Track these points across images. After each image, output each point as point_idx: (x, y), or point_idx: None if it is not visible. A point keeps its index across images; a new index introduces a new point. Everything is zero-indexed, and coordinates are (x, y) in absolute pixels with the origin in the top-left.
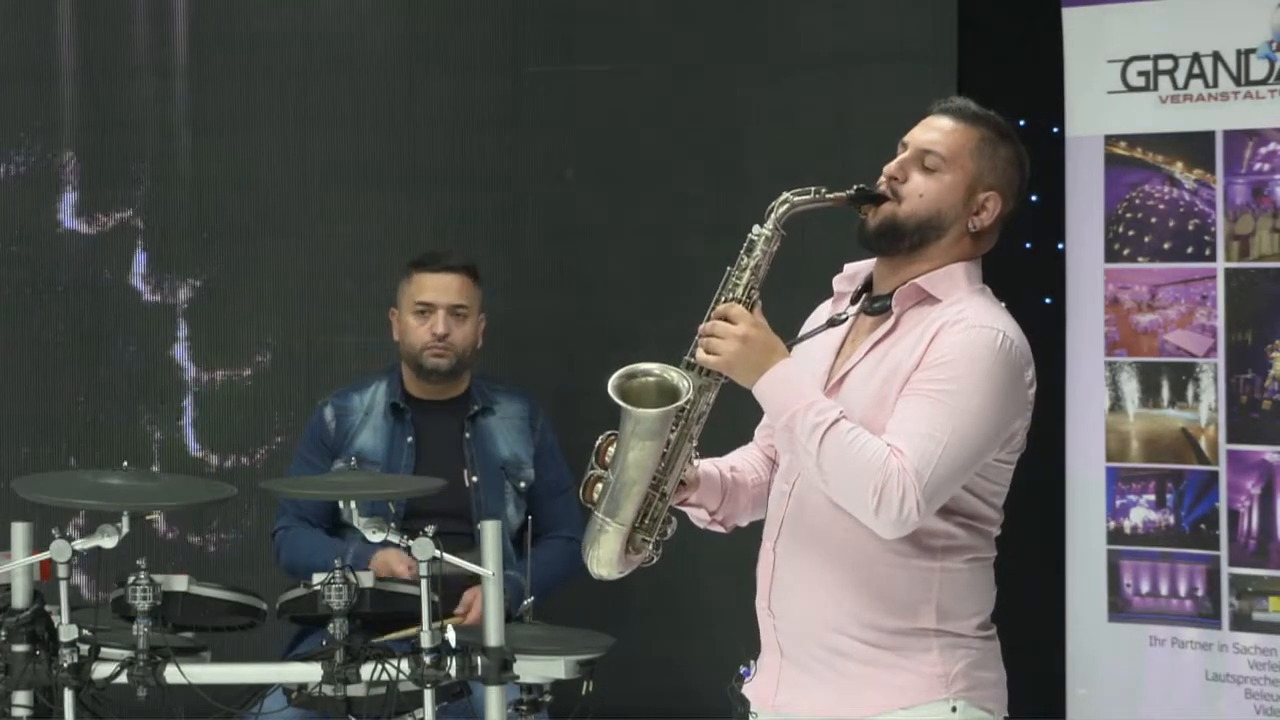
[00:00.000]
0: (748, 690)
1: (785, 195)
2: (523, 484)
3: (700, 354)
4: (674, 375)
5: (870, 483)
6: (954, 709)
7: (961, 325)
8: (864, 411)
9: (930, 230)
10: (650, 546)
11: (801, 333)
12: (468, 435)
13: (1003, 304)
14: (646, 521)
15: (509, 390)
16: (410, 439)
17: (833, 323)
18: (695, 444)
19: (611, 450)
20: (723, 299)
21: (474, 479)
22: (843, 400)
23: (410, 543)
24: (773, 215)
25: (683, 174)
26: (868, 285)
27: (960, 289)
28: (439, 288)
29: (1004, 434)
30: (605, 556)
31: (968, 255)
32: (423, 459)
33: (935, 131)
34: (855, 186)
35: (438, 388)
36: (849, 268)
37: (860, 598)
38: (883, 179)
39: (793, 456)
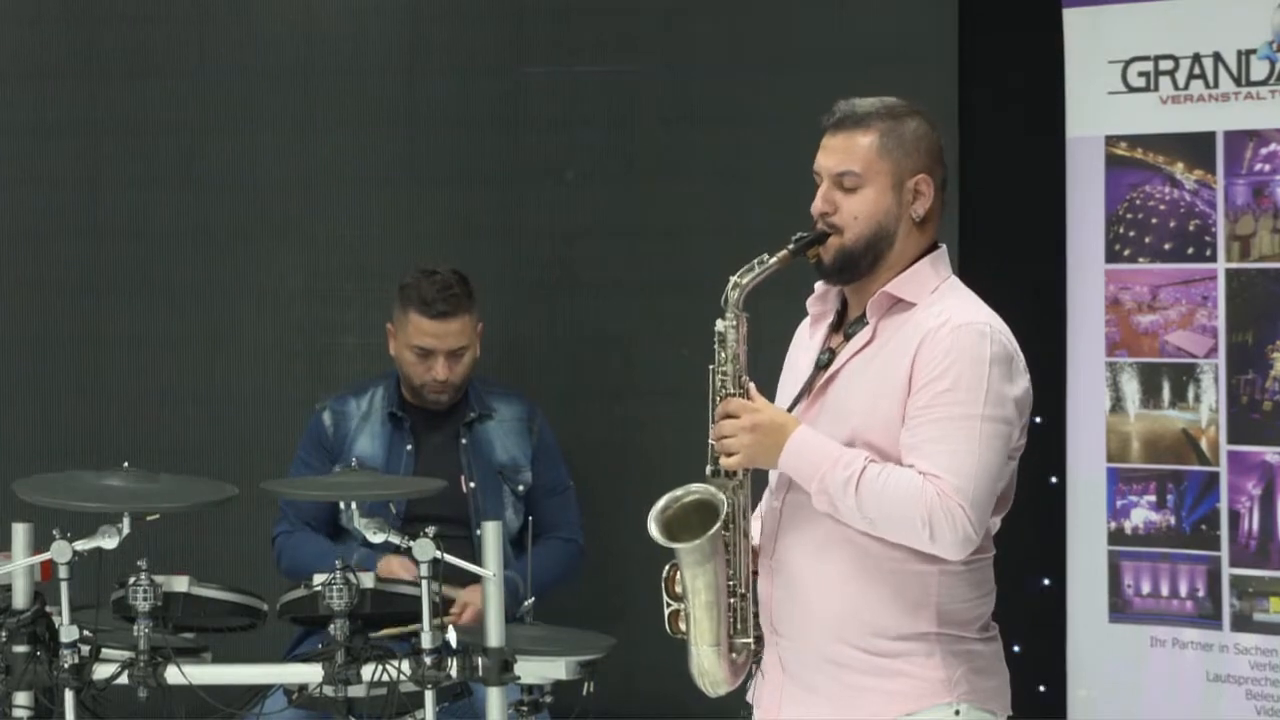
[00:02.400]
0: (754, 698)
1: (731, 279)
2: (520, 487)
3: (722, 460)
4: (708, 491)
5: (917, 515)
6: (957, 713)
7: (947, 329)
8: (852, 419)
9: (881, 243)
10: (751, 643)
11: (786, 369)
12: (464, 442)
13: (972, 291)
14: (738, 626)
15: (506, 393)
16: (410, 446)
17: (820, 364)
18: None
19: (679, 580)
20: (718, 400)
21: (471, 485)
22: (826, 408)
23: (411, 544)
24: (729, 304)
25: (683, 175)
26: (844, 303)
27: (929, 286)
28: (438, 334)
29: (1023, 420)
30: (718, 678)
31: (924, 245)
32: (421, 466)
33: (838, 153)
34: (793, 239)
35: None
36: (819, 287)
37: (858, 605)
38: (816, 218)
39: (835, 514)
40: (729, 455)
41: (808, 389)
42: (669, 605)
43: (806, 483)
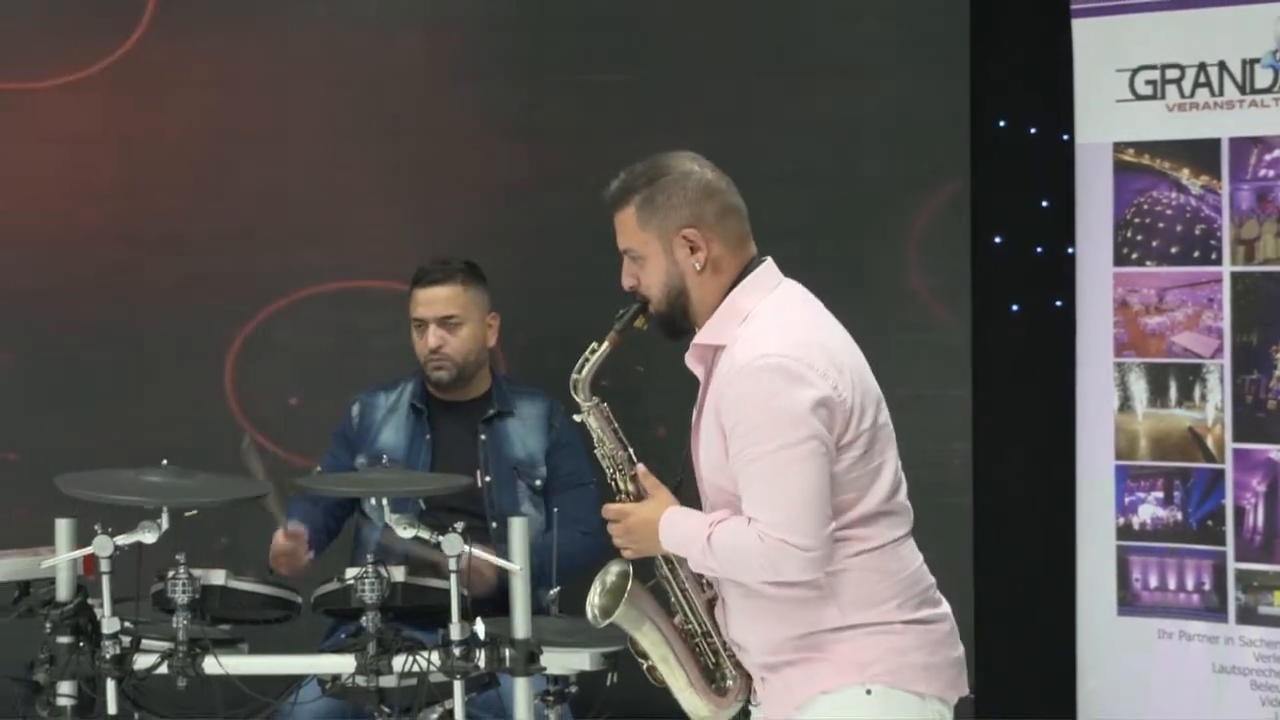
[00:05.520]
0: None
1: (572, 377)
2: (537, 482)
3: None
4: (618, 563)
5: (754, 559)
6: (869, 692)
7: (732, 373)
8: (703, 470)
9: (680, 298)
10: (733, 678)
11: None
12: (483, 437)
13: (795, 295)
14: (713, 665)
15: (530, 392)
16: (428, 437)
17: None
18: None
19: (638, 642)
20: (614, 486)
21: (486, 479)
22: (696, 465)
23: (441, 539)
24: (579, 396)
25: None
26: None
27: (738, 320)
28: (426, 301)
29: (840, 416)
30: (704, 714)
31: (725, 286)
32: (439, 458)
33: (618, 232)
34: (616, 319)
35: (454, 391)
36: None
37: (769, 622)
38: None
39: (718, 576)
40: (625, 550)
41: (688, 448)
42: (642, 662)
43: (688, 560)
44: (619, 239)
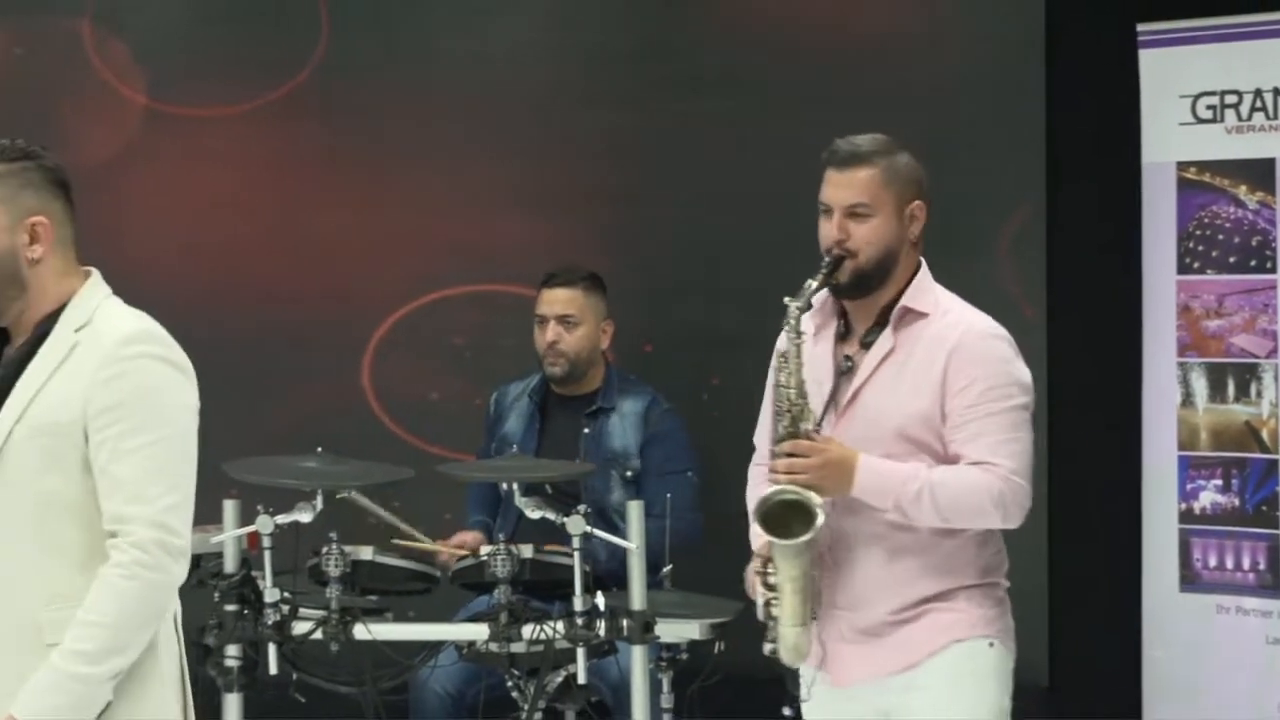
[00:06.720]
0: (811, 667)
1: (791, 304)
2: (629, 473)
3: (784, 478)
4: (801, 493)
5: (987, 501)
6: (991, 644)
7: (973, 336)
8: (893, 418)
9: (889, 263)
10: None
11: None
12: (586, 430)
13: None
14: (814, 606)
15: (638, 390)
16: (538, 426)
17: (842, 370)
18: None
19: (772, 572)
20: (785, 419)
21: (591, 468)
22: (861, 410)
23: (565, 520)
24: (788, 325)
25: (801, 198)
26: (842, 314)
27: (933, 297)
28: (550, 300)
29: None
30: (805, 650)
31: (916, 262)
32: (545, 446)
33: (848, 187)
34: (823, 264)
35: (569, 385)
36: (817, 301)
37: (914, 576)
38: (832, 248)
39: (907, 521)
40: (794, 475)
41: (836, 393)
42: (763, 595)
43: (879, 503)
44: (847, 193)
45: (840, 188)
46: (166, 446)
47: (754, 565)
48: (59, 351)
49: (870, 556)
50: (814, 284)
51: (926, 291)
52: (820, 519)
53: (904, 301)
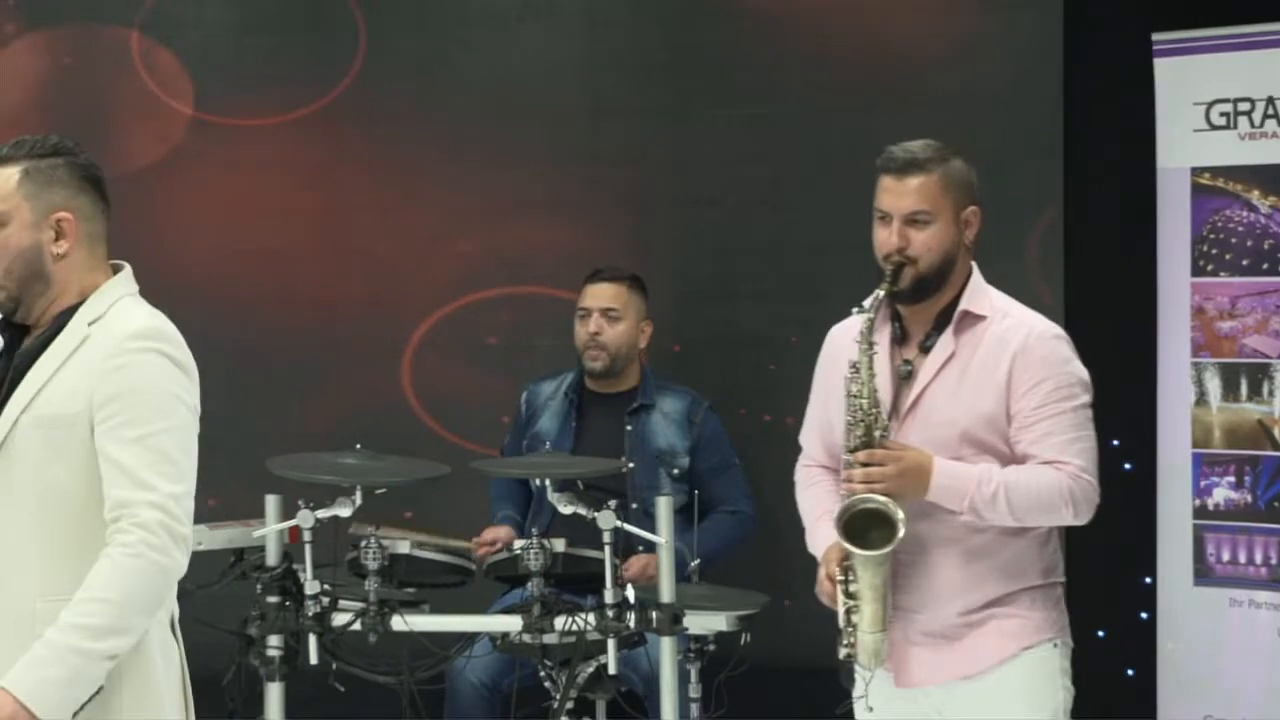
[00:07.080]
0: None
1: (864, 316)
2: (676, 470)
3: (861, 487)
4: (883, 503)
5: (1060, 499)
6: (1055, 645)
7: (1034, 338)
8: (959, 421)
9: (948, 268)
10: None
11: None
12: (629, 428)
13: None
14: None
15: (676, 389)
16: (574, 425)
17: (902, 375)
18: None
19: (853, 580)
20: (859, 430)
21: (630, 465)
22: (925, 414)
23: (596, 515)
24: (863, 335)
25: (825, 202)
26: (896, 318)
27: (987, 300)
28: (594, 295)
29: None
30: (884, 655)
31: (969, 266)
32: (583, 443)
33: (908, 195)
34: (886, 273)
35: (606, 383)
36: (867, 304)
37: (987, 577)
38: (892, 255)
39: (980, 521)
40: (873, 483)
41: (897, 398)
42: (844, 604)
43: (955, 505)
44: (906, 200)
45: (899, 195)
46: (169, 437)
47: (827, 572)
48: (70, 344)
49: (946, 559)
50: (880, 293)
51: (982, 294)
52: (903, 530)
53: (963, 305)
